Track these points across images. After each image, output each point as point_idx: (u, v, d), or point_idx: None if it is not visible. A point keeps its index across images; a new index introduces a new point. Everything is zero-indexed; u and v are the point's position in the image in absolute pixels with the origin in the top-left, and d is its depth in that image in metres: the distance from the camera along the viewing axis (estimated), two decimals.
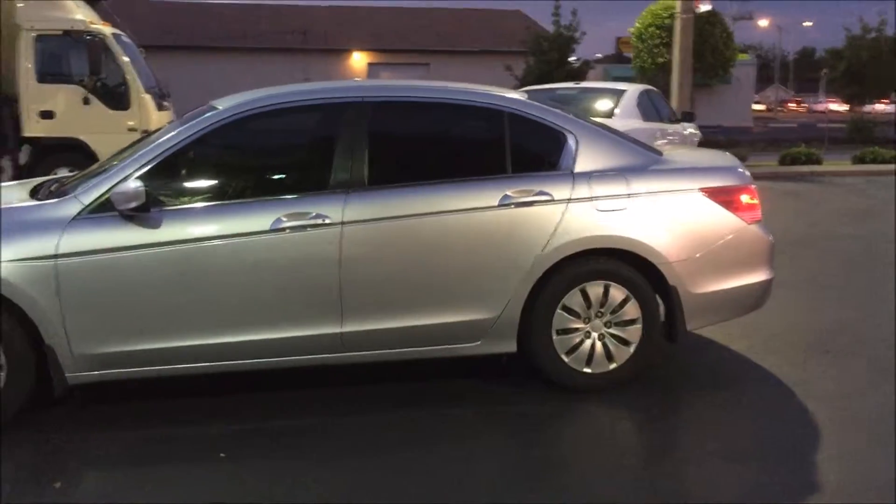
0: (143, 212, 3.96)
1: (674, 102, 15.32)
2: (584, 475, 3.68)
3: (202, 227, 4.08)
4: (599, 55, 56.75)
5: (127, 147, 4.74)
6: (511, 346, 4.45)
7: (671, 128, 11.01)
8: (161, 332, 4.07)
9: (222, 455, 3.81)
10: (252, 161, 4.48)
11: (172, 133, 4.25)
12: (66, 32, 10.75)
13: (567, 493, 3.48)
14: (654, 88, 11.86)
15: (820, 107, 73.47)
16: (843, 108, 42.89)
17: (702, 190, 4.56)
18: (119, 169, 4.11)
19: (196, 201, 4.18)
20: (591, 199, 4.40)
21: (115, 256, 3.98)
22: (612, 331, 4.49)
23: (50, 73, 10.80)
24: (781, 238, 8.88)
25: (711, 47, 20.40)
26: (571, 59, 26.23)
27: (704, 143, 19.19)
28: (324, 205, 4.17)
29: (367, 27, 38.01)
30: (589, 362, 4.50)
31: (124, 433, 4.09)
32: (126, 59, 10.90)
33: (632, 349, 4.51)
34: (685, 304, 4.52)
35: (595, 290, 4.44)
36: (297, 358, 4.27)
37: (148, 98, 11.02)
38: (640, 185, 4.48)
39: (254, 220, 4.10)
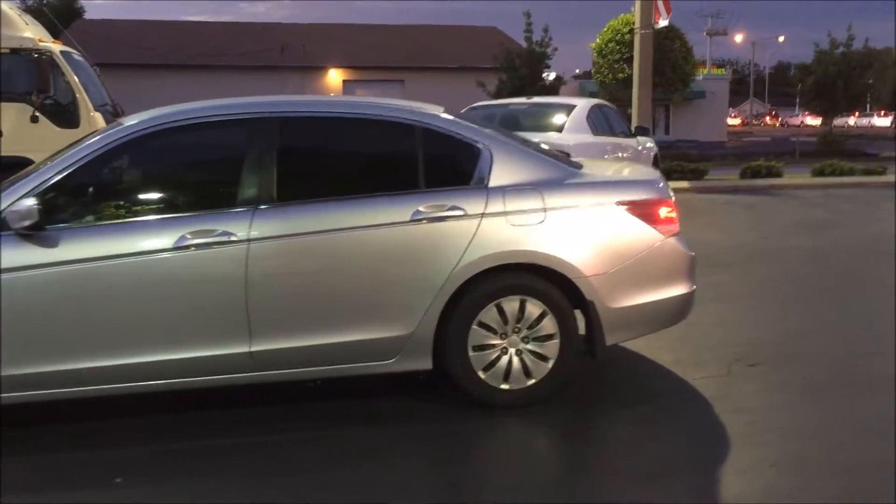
0: (39, 230, 3.88)
1: (634, 116, 15.39)
2: (496, 494, 3.61)
3: (103, 245, 4.00)
4: (578, 70, 57.20)
5: (37, 164, 4.66)
6: (427, 364, 4.39)
7: (625, 142, 11.03)
8: (64, 354, 3.98)
9: (118, 480, 3.72)
10: (157, 178, 4.41)
11: (75, 149, 4.18)
12: (14, 50, 10.65)
13: None
14: (607, 103, 11.88)
15: (795, 120, 74.39)
16: (818, 121, 43.31)
17: (618, 203, 4.54)
18: (17, 186, 4.04)
19: (98, 219, 4.11)
20: (504, 213, 4.36)
21: (11, 277, 3.89)
22: (529, 346, 4.44)
23: None
24: (731, 251, 9.00)
25: (671, 62, 20.53)
26: (545, 74, 26.35)
27: (678, 157, 19.37)
28: (230, 222, 4.11)
29: (344, 44, 38.06)
30: (507, 378, 4.44)
31: (27, 458, 3.97)
32: (74, 76, 10.80)
33: (550, 365, 4.46)
34: (603, 318, 4.48)
35: (511, 305, 4.39)
36: (208, 378, 4.18)
37: (98, 116, 10.90)
38: (555, 200, 4.45)
39: (157, 238, 4.04)
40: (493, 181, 4.43)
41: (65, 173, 4.07)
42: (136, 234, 4.05)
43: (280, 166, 4.25)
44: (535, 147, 4.86)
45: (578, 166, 4.85)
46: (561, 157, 4.99)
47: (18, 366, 3.95)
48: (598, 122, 10.41)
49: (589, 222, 4.49)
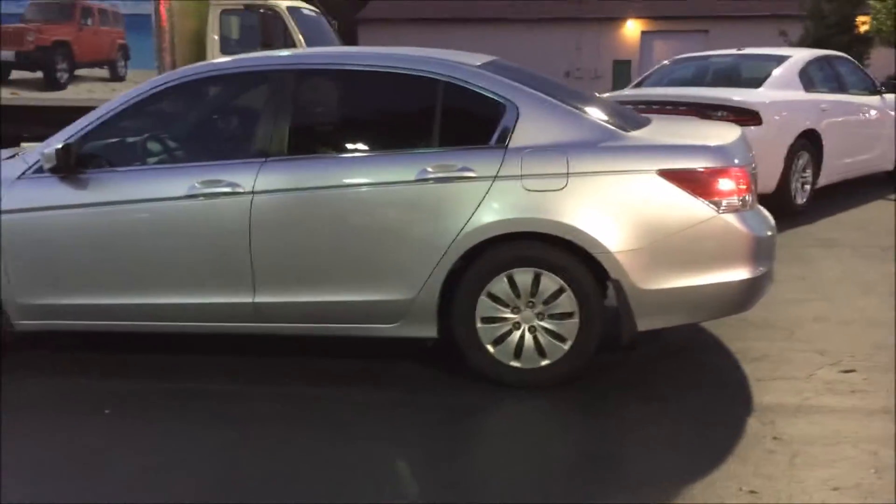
0: (58, 173, 4.21)
1: None
2: (466, 475, 3.41)
3: (123, 190, 4.26)
4: None
5: None
6: (432, 332, 4.18)
7: (860, 100, 9.48)
8: (86, 288, 4.32)
9: (107, 411, 3.98)
10: (180, 128, 4.60)
11: (112, 101, 4.46)
12: (246, 6, 11.58)
13: (439, 492, 3.25)
14: (842, 54, 10.29)
15: None
16: None
17: (660, 172, 3.96)
18: (61, 133, 4.39)
19: (124, 165, 4.37)
20: (520, 177, 3.99)
21: (46, 214, 4.28)
22: (544, 324, 4.07)
23: (231, 44, 11.70)
24: None
25: None
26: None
27: None
28: (238, 173, 4.17)
29: None
30: (518, 356, 4.11)
31: (29, 381, 4.34)
32: (297, 31, 11.51)
33: (567, 346, 4.06)
34: (632, 300, 3.98)
35: (523, 277, 4.03)
36: (214, 324, 4.34)
37: None
38: (582, 164, 3.99)
39: (171, 186, 4.21)
40: (516, 141, 4.06)
41: (99, 122, 4.36)
42: (154, 181, 4.26)
43: (294, 120, 4.23)
44: (589, 103, 4.36)
45: (630, 128, 4.28)
46: (621, 115, 4.45)
47: (53, 296, 4.35)
48: (820, 77, 9.06)
49: (620, 191, 3.98)
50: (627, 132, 4.21)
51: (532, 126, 4.08)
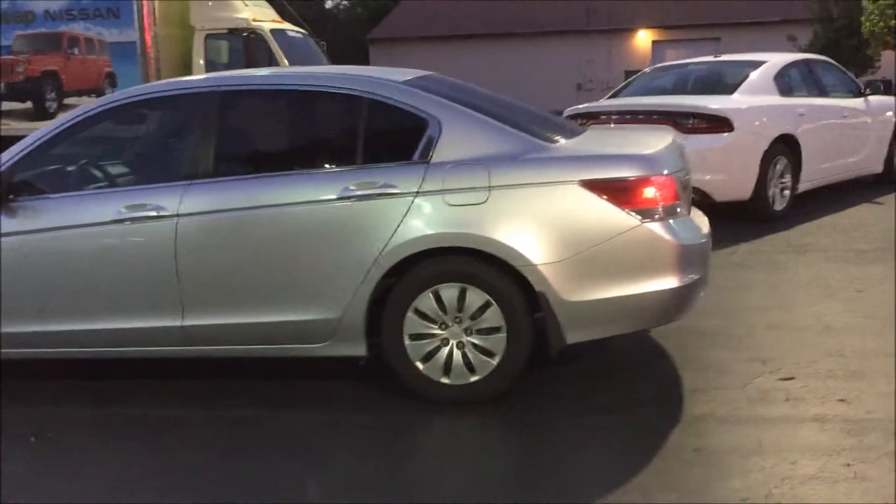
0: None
1: None
2: (399, 493, 3.36)
3: (54, 216, 4.27)
4: None
5: None
6: (362, 350, 4.15)
7: (840, 104, 9.35)
8: (17, 315, 4.31)
9: (32, 439, 3.97)
10: (109, 152, 4.63)
11: (42, 128, 4.49)
12: (230, 30, 11.70)
13: None
14: (823, 58, 10.16)
15: None
16: None
17: (582, 182, 3.92)
18: None
19: (56, 192, 4.39)
20: (441, 192, 3.97)
21: None
22: (472, 339, 4.03)
23: (217, 68, 11.81)
24: None
25: None
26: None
27: None
28: (163, 196, 4.17)
29: (653, 3, 36.65)
30: (447, 372, 4.07)
31: None
32: (280, 52, 11.60)
33: (496, 361, 4.01)
34: (559, 313, 3.93)
35: (449, 293, 4.00)
36: (144, 349, 4.34)
37: None
38: (503, 177, 3.95)
39: (99, 211, 4.22)
40: (439, 156, 4.04)
41: (28, 150, 4.39)
42: (83, 207, 4.27)
43: (219, 141, 4.24)
44: (515, 116, 4.33)
45: (560, 139, 4.25)
46: (552, 126, 4.42)
47: None
48: (798, 82, 8.94)
49: (542, 203, 3.94)
50: (554, 143, 4.18)
51: (455, 140, 4.06)
